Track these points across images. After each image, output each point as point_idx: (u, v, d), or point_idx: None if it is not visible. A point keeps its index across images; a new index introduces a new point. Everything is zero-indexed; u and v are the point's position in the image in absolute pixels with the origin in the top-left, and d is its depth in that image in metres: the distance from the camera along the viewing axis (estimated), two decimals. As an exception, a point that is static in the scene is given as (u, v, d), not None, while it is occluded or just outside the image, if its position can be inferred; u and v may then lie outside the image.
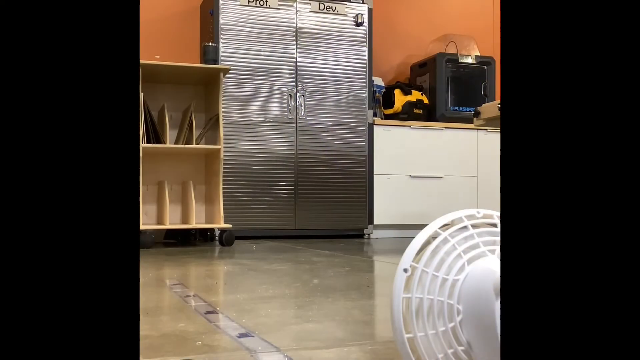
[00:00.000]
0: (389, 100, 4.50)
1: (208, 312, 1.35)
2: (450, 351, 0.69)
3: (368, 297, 1.58)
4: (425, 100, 4.52)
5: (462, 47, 4.75)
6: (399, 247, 3.38)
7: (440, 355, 0.69)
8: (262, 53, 3.99)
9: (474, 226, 0.74)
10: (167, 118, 3.48)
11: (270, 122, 4.01)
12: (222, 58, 3.86)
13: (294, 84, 4.07)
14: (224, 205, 3.71)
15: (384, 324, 1.23)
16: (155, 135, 3.42)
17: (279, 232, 4.02)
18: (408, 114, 4.40)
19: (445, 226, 0.74)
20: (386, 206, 4.27)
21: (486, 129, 4.48)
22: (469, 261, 0.71)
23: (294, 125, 4.06)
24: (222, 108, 3.70)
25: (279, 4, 4.04)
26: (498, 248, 0.71)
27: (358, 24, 4.22)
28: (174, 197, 3.80)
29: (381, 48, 4.90)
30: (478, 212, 0.75)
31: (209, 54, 3.55)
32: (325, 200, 4.13)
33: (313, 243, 3.60)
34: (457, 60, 4.60)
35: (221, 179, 3.48)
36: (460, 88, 4.60)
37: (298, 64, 4.08)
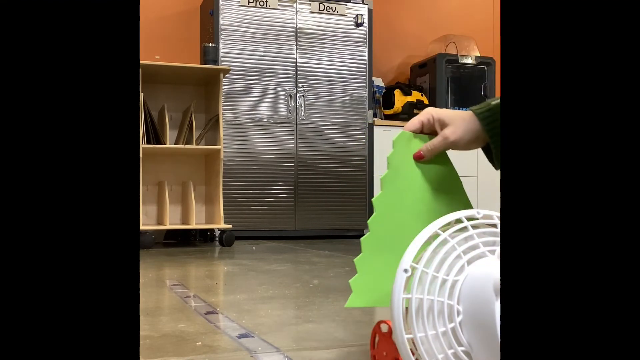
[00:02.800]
0: (389, 101, 4.50)
1: (208, 313, 1.35)
2: (450, 352, 0.69)
3: (368, 297, 1.57)
4: (426, 101, 4.52)
5: (462, 48, 4.75)
6: (399, 248, 3.37)
7: (440, 356, 0.69)
8: (262, 53, 3.99)
9: (474, 227, 0.74)
10: (167, 118, 3.48)
11: (270, 122, 4.01)
12: (222, 58, 3.86)
13: (293, 84, 4.06)
14: (224, 205, 3.71)
15: (384, 324, 1.23)
16: (155, 136, 3.42)
17: (278, 232, 4.01)
18: (408, 115, 4.40)
19: (446, 227, 0.74)
20: (386, 206, 4.26)
21: (486, 130, 4.48)
22: (469, 262, 0.71)
23: (294, 125, 4.06)
24: (222, 108, 3.70)
25: (279, 5, 4.04)
26: (498, 248, 0.71)
27: (358, 25, 4.22)
28: (174, 198, 3.80)
29: (381, 48, 4.90)
30: (478, 213, 0.75)
31: (209, 54, 3.55)
32: (325, 200, 4.13)
33: (313, 243, 3.60)
34: (457, 60, 4.60)
35: (221, 179, 3.48)
36: (460, 88, 4.60)
37: (298, 64, 4.08)
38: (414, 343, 0.71)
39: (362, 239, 0.82)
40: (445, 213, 0.77)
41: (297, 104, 4.07)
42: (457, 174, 0.90)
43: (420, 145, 0.86)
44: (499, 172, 0.52)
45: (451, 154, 0.93)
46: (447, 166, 0.88)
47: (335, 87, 4.16)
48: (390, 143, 0.86)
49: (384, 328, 0.83)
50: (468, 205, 0.87)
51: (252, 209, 3.95)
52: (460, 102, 4.57)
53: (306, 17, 4.11)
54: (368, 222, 0.83)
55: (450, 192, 0.87)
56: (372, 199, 0.84)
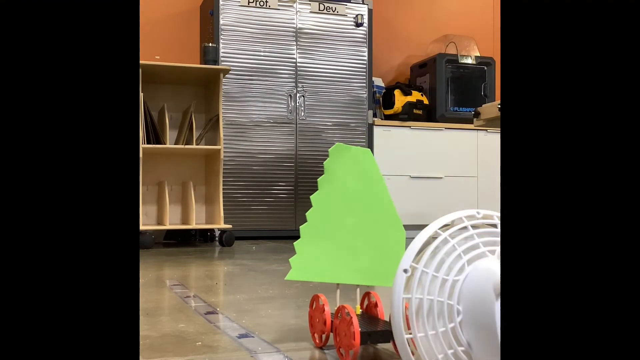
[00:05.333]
0: (389, 101, 4.50)
1: (208, 313, 1.35)
2: (450, 352, 0.69)
3: (368, 297, 1.58)
4: (425, 101, 4.52)
5: (462, 48, 4.75)
6: (399, 248, 3.37)
7: (440, 356, 0.69)
8: (262, 53, 3.99)
9: (474, 227, 0.74)
10: (167, 118, 3.48)
11: (270, 122, 4.01)
12: (222, 58, 3.86)
13: (293, 84, 4.06)
14: (223, 205, 3.71)
15: (384, 324, 1.23)
16: (155, 136, 3.42)
17: (279, 232, 4.01)
18: (408, 115, 4.40)
19: (445, 227, 0.74)
20: (386, 207, 4.26)
21: (486, 130, 4.48)
22: (469, 262, 0.71)
23: (294, 125, 4.06)
24: (222, 108, 3.70)
25: (279, 5, 4.04)
26: (498, 248, 0.71)
27: (358, 25, 4.22)
28: (174, 198, 3.80)
29: (381, 48, 4.90)
30: (478, 213, 0.75)
31: (209, 54, 3.55)
32: (325, 200, 4.12)
33: (313, 243, 3.59)
34: (457, 60, 4.60)
35: (221, 179, 3.48)
36: (460, 88, 4.60)
37: (298, 64, 4.08)
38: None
39: (301, 227, 1.02)
40: (368, 211, 1.03)
41: (297, 104, 4.07)
42: (382, 180, 1.05)
43: (351, 155, 1.04)
44: (498, 172, 0.52)
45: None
46: (374, 173, 1.05)
47: (335, 87, 4.16)
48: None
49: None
50: (390, 205, 1.04)
51: (252, 209, 3.95)
52: (460, 103, 4.58)
53: (306, 17, 4.11)
54: (307, 214, 1.03)
55: (373, 194, 1.04)
56: (311, 196, 1.04)
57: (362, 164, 1.04)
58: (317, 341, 1.03)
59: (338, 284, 1.04)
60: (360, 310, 1.06)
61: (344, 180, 1.04)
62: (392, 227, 1.03)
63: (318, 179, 1.03)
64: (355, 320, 0.90)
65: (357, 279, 1.02)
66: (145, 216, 3.72)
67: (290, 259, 1.02)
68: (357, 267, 1.02)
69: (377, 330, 0.92)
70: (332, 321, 0.99)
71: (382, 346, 1.04)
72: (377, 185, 1.04)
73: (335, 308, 0.99)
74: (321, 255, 1.02)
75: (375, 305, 1.05)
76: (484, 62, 4.67)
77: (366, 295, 1.08)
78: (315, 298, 1.05)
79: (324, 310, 1.01)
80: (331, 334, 1.00)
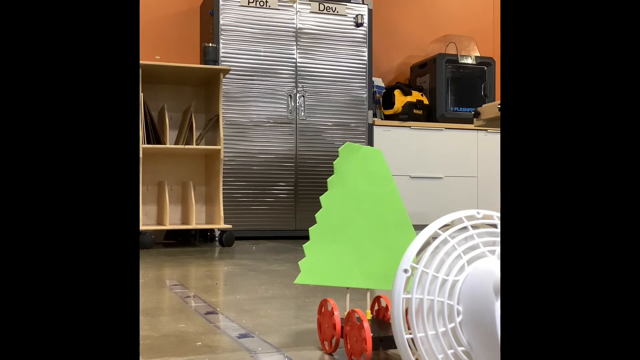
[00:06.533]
0: (389, 101, 4.50)
1: (208, 313, 1.35)
2: (450, 352, 0.69)
3: (368, 297, 1.57)
4: (425, 101, 4.52)
5: (462, 48, 4.75)
6: (399, 248, 3.36)
7: (440, 356, 0.69)
8: (262, 53, 3.99)
9: (474, 227, 0.74)
10: (167, 118, 3.48)
11: (270, 122, 4.01)
12: (222, 58, 3.86)
13: (294, 84, 4.06)
14: (224, 205, 3.71)
15: (384, 324, 1.23)
16: (155, 136, 3.42)
17: (279, 232, 4.01)
18: (408, 115, 4.40)
19: (445, 227, 0.74)
20: (386, 207, 4.26)
21: (486, 130, 4.48)
22: (469, 262, 0.71)
23: (294, 125, 4.06)
24: (222, 108, 3.70)
25: (279, 5, 4.04)
26: (498, 249, 0.71)
27: (358, 25, 4.21)
28: (174, 198, 3.80)
29: (381, 49, 4.90)
30: (478, 213, 0.75)
31: (209, 54, 3.55)
32: (325, 200, 4.12)
33: (313, 243, 3.59)
34: (457, 60, 4.60)
35: (221, 179, 3.48)
36: (460, 89, 4.60)
37: (298, 64, 4.08)
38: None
39: (310, 228, 0.99)
40: (379, 212, 1.00)
41: (297, 104, 4.07)
42: (392, 180, 1.03)
43: (361, 154, 1.02)
44: (498, 172, 0.52)
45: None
46: (384, 174, 1.03)
47: (335, 87, 4.16)
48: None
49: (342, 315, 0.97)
50: (401, 207, 1.02)
51: (252, 209, 3.95)
52: (460, 103, 4.58)
53: (306, 17, 4.11)
54: (316, 215, 1.01)
55: (384, 195, 1.02)
56: (320, 197, 1.01)
57: (373, 164, 1.02)
58: (327, 347, 1.01)
59: (348, 288, 1.01)
60: (371, 315, 1.04)
61: (354, 180, 1.01)
62: (403, 229, 1.00)
63: (328, 179, 1.01)
64: (367, 326, 0.88)
65: (367, 283, 1.00)
66: (145, 216, 3.72)
67: (299, 262, 0.99)
68: (367, 271, 1.00)
69: (389, 336, 0.91)
70: (342, 326, 0.97)
71: (392, 351, 1.04)
72: (387, 186, 1.02)
73: (345, 313, 0.96)
74: (331, 258, 0.99)
75: (386, 309, 1.03)
76: (484, 62, 4.67)
77: (376, 299, 1.06)
78: (324, 302, 1.03)
79: (333, 315, 0.99)
80: (341, 340, 0.97)
